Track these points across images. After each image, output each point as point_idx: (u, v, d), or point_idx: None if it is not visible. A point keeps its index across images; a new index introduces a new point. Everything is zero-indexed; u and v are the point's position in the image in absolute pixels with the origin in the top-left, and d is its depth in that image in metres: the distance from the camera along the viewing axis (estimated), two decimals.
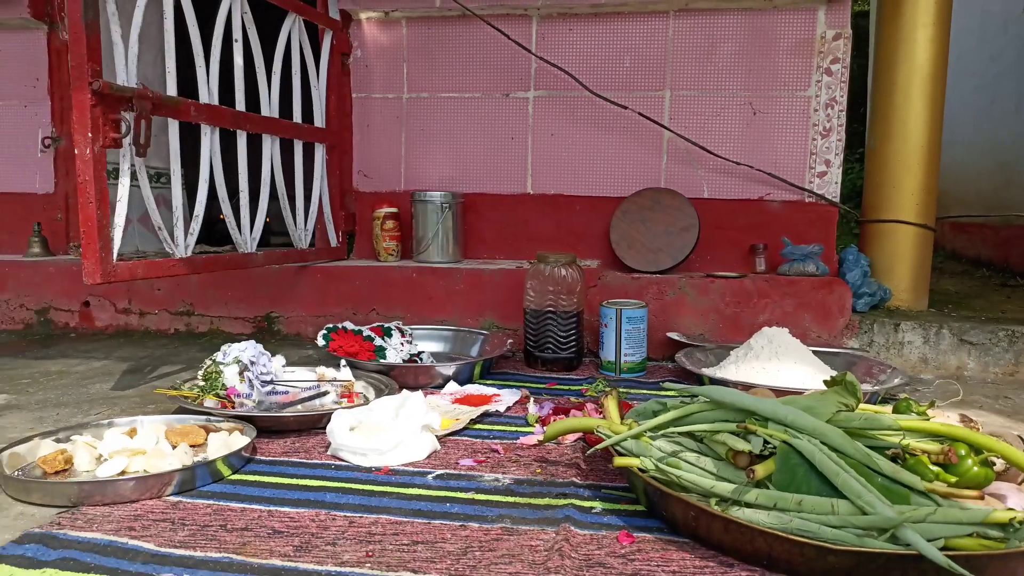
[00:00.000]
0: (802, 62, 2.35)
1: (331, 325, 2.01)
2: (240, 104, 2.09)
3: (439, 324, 2.30)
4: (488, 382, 1.91)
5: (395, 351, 2.01)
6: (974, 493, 0.93)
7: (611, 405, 1.31)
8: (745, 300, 2.21)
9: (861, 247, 2.47)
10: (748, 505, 0.98)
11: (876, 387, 1.71)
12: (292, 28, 2.30)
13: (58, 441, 1.35)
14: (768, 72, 2.38)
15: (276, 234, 3.74)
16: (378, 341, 2.00)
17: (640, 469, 1.07)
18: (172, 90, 1.85)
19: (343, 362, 1.86)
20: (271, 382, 1.72)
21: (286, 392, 1.72)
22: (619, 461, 1.08)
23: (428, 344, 2.16)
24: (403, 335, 2.07)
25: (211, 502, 1.16)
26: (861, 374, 1.86)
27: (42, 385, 1.91)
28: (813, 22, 2.33)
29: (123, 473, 1.23)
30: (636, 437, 1.14)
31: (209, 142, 1.98)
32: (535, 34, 2.49)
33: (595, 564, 0.96)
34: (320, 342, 1.97)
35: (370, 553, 0.99)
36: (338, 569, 0.94)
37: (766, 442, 1.01)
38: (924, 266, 2.38)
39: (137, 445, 1.35)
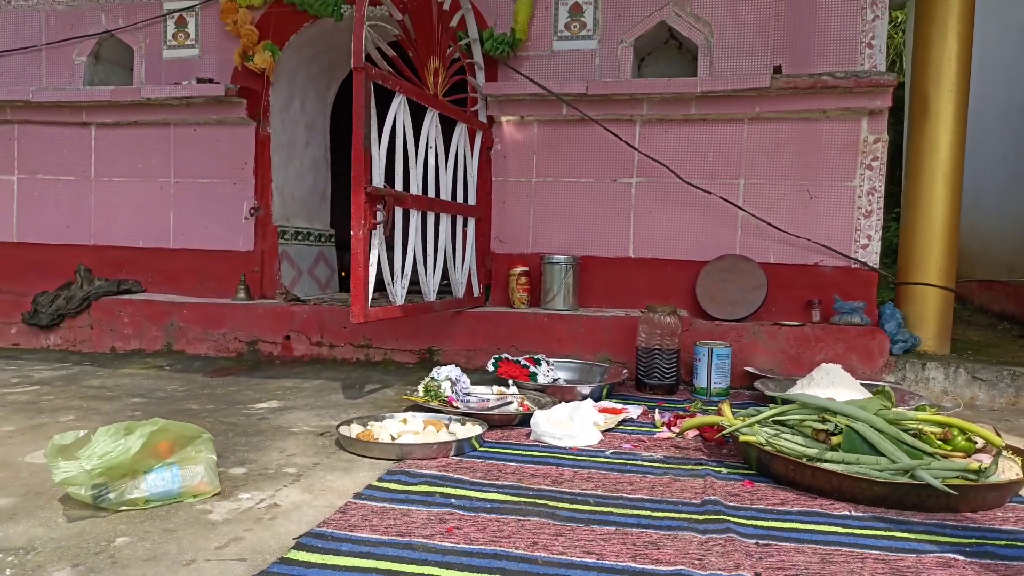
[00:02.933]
0: (849, 159, 3.05)
1: (497, 355, 2.72)
2: (431, 192, 2.85)
3: (566, 358, 2.99)
4: (614, 400, 2.60)
5: (543, 375, 2.71)
6: (960, 455, 1.59)
7: (726, 408, 2.00)
8: (805, 344, 2.88)
9: (896, 303, 3.12)
10: (825, 461, 1.65)
11: (911, 410, 2.35)
12: (460, 133, 3.07)
13: (361, 424, 2.07)
14: (822, 166, 3.07)
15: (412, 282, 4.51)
16: (531, 368, 2.70)
17: (755, 443, 1.75)
18: (397, 186, 2.61)
19: (511, 382, 2.57)
20: (469, 394, 2.43)
21: (480, 400, 2.43)
22: (743, 437, 1.76)
23: (562, 372, 2.86)
24: (548, 364, 2.77)
25: (481, 460, 1.86)
26: (896, 402, 2.50)
27: (294, 395, 2.64)
28: (858, 129, 3.03)
29: None
30: (749, 425, 1.82)
31: (416, 222, 2.72)
32: (638, 134, 3.23)
33: (733, 495, 1.64)
34: (490, 368, 2.69)
35: (596, 486, 1.68)
36: (583, 492, 1.64)
37: (836, 425, 1.69)
38: (946, 319, 3.03)
39: (410, 428, 2.06)
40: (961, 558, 1.31)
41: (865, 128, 3.02)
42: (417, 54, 2.72)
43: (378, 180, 2.47)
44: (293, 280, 3.74)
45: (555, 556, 1.28)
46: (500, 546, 1.32)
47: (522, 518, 1.47)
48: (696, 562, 1.27)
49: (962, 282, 4.70)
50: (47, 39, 3.83)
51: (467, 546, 1.32)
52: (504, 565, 1.24)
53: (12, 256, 3.89)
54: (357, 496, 1.58)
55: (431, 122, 2.82)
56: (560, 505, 1.55)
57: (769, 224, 3.10)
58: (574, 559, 1.27)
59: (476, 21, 3.23)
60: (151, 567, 1.23)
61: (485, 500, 1.56)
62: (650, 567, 1.25)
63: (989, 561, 1.31)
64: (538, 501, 1.57)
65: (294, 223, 3.81)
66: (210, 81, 3.52)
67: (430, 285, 2.89)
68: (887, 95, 2.93)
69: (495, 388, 2.55)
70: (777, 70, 3.02)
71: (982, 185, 4.79)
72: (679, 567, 1.25)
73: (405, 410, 2.28)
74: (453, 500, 1.56)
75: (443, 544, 1.33)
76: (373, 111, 2.40)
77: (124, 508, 1.47)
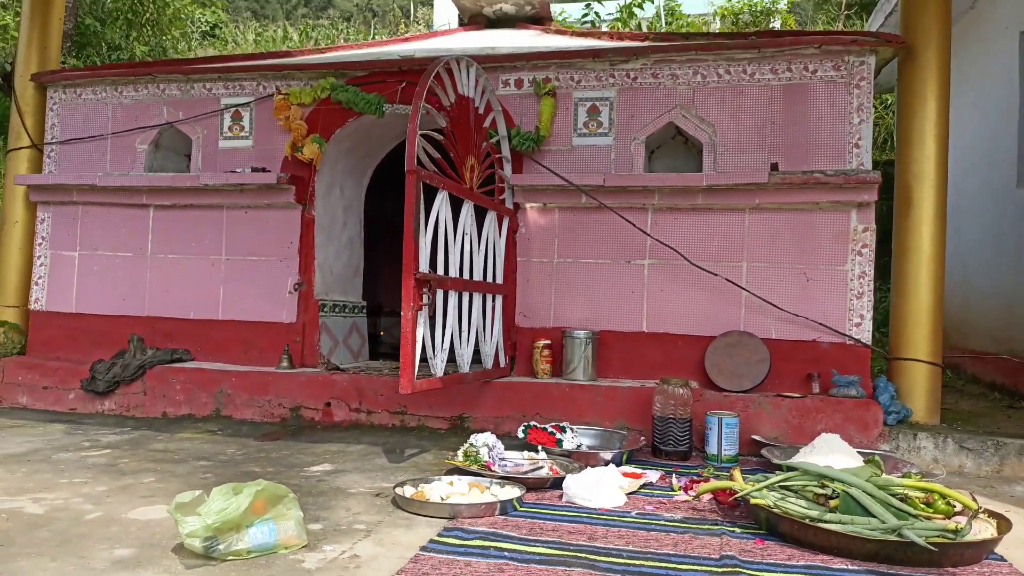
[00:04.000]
0: (841, 246, 3.38)
1: (526, 423, 3.00)
2: (466, 273, 3.17)
3: (587, 425, 3.25)
4: (633, 465, 2.86)
5: (568, 442, 2.98)
6: (941, 517, 1.86)
7: (737, 475, 2.27)
8: (806, 414, 3.15)
9: (889, 376, 3.40)
10: (825, 522, 1.91)
11: (899, 477, 2.61)
12: (490, 220, 3.42)
13: (412, 486, 2.34)
14: (817, 252, 3.40)
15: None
16: (558, 435, 2.97)
17: (764, 505, 2.02)
18: (440, 270, 2.94)
19: (540, 448, 2.84)
20: (504, 459, 2.69)
21: (515, 465, 2.69)
22: (754, 500, 2.03)
23: (585, 439, 3.12)
24: (572, 432, 3.04)
25: (523, 519, 2.12)
26: (889, 468, 2.76)
27: (341, 459, 2.91)
28: (848, 220, 3.37)
29: None
30: (759, 490, 2.09)
31: (454, 301, 3.03)
32: (650, 221, 3.58)
33: (747, 551, 1.90)
34: (520, 434, 2.96)
35: (627, 542, 1.94)
36: (616, 547, 1.90)
37: (834, 490, 1.96)
38: (935, 392, 3.31)
39: (457, 490, 2.32)
40: None
41: (855, 218, 3.37)
42: (457, 153, 3.08)
43: (424, 266, 2.79)
44: (331, 350, 4.03)
45: None
46: None
47: (568, 569, 1.73)
48: None
49: (954, 355, 4.98)
50: (113, 129, 4.22)
51: None
52: None
53: (70, 326, 4.19)
54: (423, 549, 1.84)
55: (467, 212, 3.17)
56: (598, 559, 1.81)
57: (770, 303, 3.42)
58: None
59: (505, 120, 3.62)
60: None
61: (534, 553, 1.83)
62: None
63: None
64: (579, 555, 1.83)
65: (332, 296, 4.13)
66: (263, 170, 3.89)
67: (464, 358, 3.18)
68: (873, 190, 3.29)
69: (526, 453, 2.82)
70: (774, 167, 3.39)
71: (969, 262, 5.13)
72: None
73: (447, 473, 2.55)
74: (506, 553, 1.82)
75: None
76: (421, 208, 2.74)
77: (230, 558, 1.73)
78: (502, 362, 3.59)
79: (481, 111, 3.35)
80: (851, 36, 3.41)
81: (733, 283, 3.46)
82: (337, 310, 4.16)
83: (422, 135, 2.74)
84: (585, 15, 9.73)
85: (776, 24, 10.03)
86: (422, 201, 2.75)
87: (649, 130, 3.61)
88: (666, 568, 1.76)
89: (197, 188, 3.95)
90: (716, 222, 3.51)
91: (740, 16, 9.41)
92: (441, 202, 2.92)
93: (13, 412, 3.76)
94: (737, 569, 1.75)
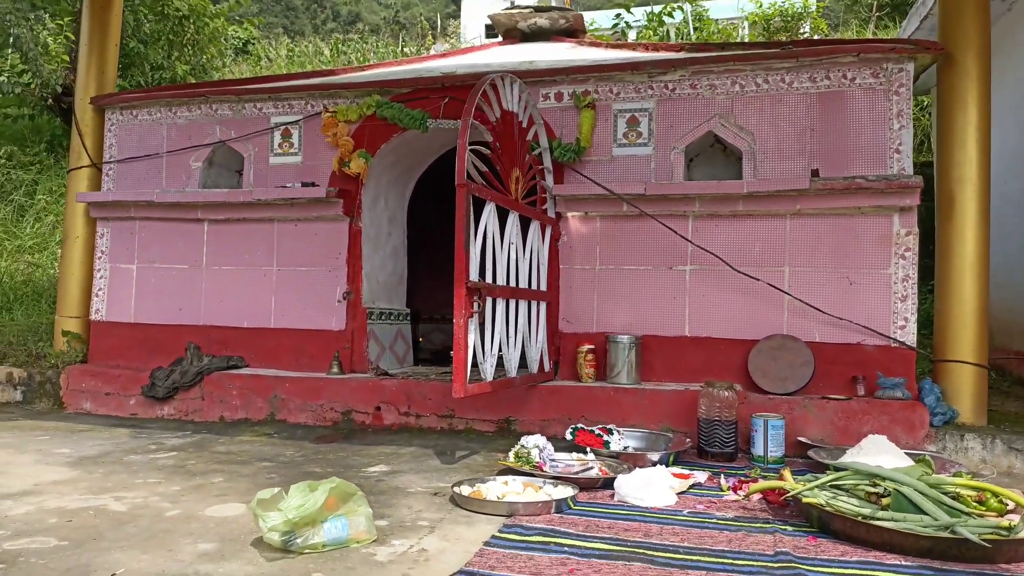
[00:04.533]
0: (884, 250, 3.40)
1: (574, 425, 3.08)
2: (512, 281, 3.26)
3: (632, 427, 3.31)
4: (680, 466, 2.91)
5: (615, 443, 3.04)
6: (994, 515, 1.89)
7: (788, 475, 2.32)
8: (851, 416, 3.18)
9: (934, 378, 3.41)
10: (878, 519, 1.95)
11: (950, 476, 2.63)
12: (534, 229, 3.51)
13: (469, 485, 2.42)
14: (860, 256, 3.43)
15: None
16: (605, 437, 3.04)
17: (816, 504, 2.07)
18: (489, 279, 3.03)
19: (589, 449, 2.91)
20: (555, 460, 2.77)
21: (565, 466, 2.76)
22: (806, 499, 2.08)
23: (631, 441, 3.18)
24: (619, 434, 3.11)
25: (579, 517, 2.20)
26: (938, 469, 2.77)
27: (395, 460, 3.01)
28: (891, 224, 3.40)
29: None
30: (810, 489, 2.14)
31: (502, 308, 3.12)
32: (691, 228, 3.64)
33: (800, 548, 1.95)
34: (568, 436, 3.04)
35: (682, 539, 2.00)
36: (672, 544, 1.96)
37: (885, 488, 2.00)
38: (982, 393, 3.31)
39: (512, 489, 2.41)
40: None
41: (897, 223, 3.39)
42: (503, 166, 3.18)
43: (474, 275, 2.89)
44: (378, 356, 4.15)
45: None
46: None
47: (628, 563, 1.80)
48: None
49: (999, 356, 4.94)
50: (168, 148, 4.41)
51: None
52: None
53: (129, 335, 4.37)
54: (487, 544, 1.93)
55: (513, 222, 3.26)
56: (656, 554, 1.88)
57: (813, 307, 3.45)
58: None
59: (546, 133, 3.71)
60: None
61: (594, 548, 1.90)
62: None
63: None
64: (637, 551, 1.90)
65: (378, 304, 4.25)
66: (312, 184, 4.04)
67: (512, 362, 3.26)
68: (915, 195, 3.31)
69: (575, 455, 2.89)
70: (815, 173, 3.43)
71: (1013, 265, 5.08)
72: None
73: (499, 473, 2.63)
74: (567, 548, 1.90)
75: None
76: (471, 219, 2.84)
77: (307, 551, 1.84)
78: (546, 367, 3.66)
79: (524, 124, 3.45)
80: (890, 44, 3.45)
81: (775, 287, 3.50)
82: (383, 317, 4.28)
83: (470, 149, 2.84)
84: (615, 24, 9.81)
85: (807, 28, 10.01)
86: (471, 215, 2.85)
87: (688, 139, 3.68)
88: (723, 563, 1.82)
89: (250, 203, 4.11)
90: (757, 228, 3.56)
91: (771, 21, 9.41)
92: (489, 214, 3.01)
93: (79, 417, 3.94)
94: (792, 564, 1.81)
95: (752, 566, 1.81)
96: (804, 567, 1.80)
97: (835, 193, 3.39)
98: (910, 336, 3.37)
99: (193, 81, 10.03)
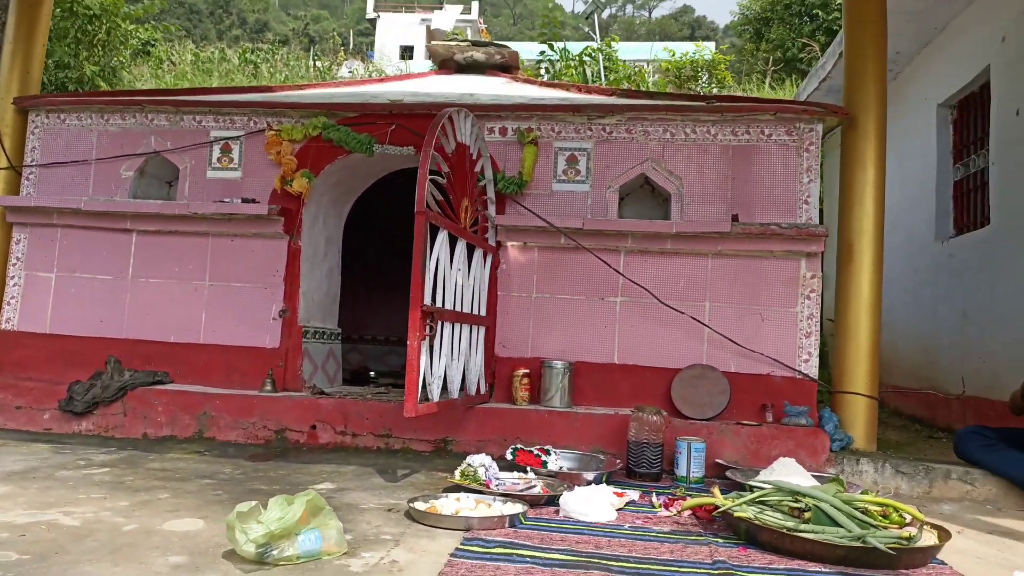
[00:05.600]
0: (792, 290, 3.77)
1: (514, 446, 3.22)
2: (458, 305, 3.39)
3: (564, 449, 3.49)
4: (612, 485, 3.10)
5: (552, 463, 3.21)
6: (895, 527, 2.18)
7: (717, 492, 2.55)
8: (763, 440, 3.49)
9: (832, 407, 3.78)
10: (800, 531, 2.21)
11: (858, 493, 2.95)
12: (477, 256, 3.66)
13: (424, 501, 2.52)
14: (771, 295, 3.78)
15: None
16: (543, 458, 3.20)
17: (746, 518, 2.30)
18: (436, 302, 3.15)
19: (529, 468, 3.06)
20: (499, 478, 2.90)
21: (510, 484, 2.90)
22: (737, 513, 2.31)
23: (566, 461, 3.36)
24: (555, 454, 3.28)
25: (532, 531, 2.34)
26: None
27: (339, 478, 3.05)
28: (798, 267, 3.77)
29: None
30: (739, 505, 2.37)
31: (449, 332, 3.24)
32: (622, 262, 3.89)
33: (734, 557, 2.17)
34: (508, 456, 3.18)
35: (630, 550, 2.19)
36: (623, 555, 2.14)
37: (806, 504, 2.26)
38: (873, 422, 3.71)
39: (464, 505, 2.52)
40: None
41: (804, 266, 3.77)
42: (455, 196, 3.33)
43: (427, 299, 3.00)
44: (311, 374, 4.16)
45: None
46: None
47: (587, 571, 1.96)
48: None
49: (881, 389, 5.48)
50: (98, 155, 4.28)
51: None
52: None
53: (44, 346, 4.17)
54: (453, 555, 2.04)
55: (461, 249, 3.40)
56: (611, 563, 2.05)
57: (730, 340, 3.76)
58: None
59: (492, 166, 3.89)
60: None
61: (553, 559, 2.05)
62: None
63: None
64: (592, 560, 2.06)
65: (313, 323, 4.26)
66: (253, 201, 4.03)
67: (455, 384, 3.38)
68: (820, 242, 3.70)
69: (516, 474, 3.03)
70: (735, 218, 3.77)
71: (894, 308, 5.66)
72: None
73: (446, 491, 2.74)
74: (528, 559, 2.04)
75: None
76: (428, 246, 2.96)
77: (282, 563, 1.89)
78: (482, 389, 3.80)
79: (474, 156, 3.61)
80: (803, 106, 3.86)
81: (697, 320, 3.80)
82: (317, 336, 4.29)
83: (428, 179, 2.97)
84: (540, 61, 10.23)
85: (707, 78, 10.74)
86: (428, 242, 2.98)
87: (622, 180, 3.95)
88: (670, 570, 2.02)
89: (186, 216, 4.05)
90: (682, 265, 3.85)
91: (682, 70, 10.06)
92: (442, 242, 3.14)
93: None
94: (729, 571, 2.02)
95: (696, 572, 2.01)
96: (740, 572, 2.01)
97: (752, 237, 3.73)
98: (813, 369, 3.74)
99: (102, 83, 9.62)
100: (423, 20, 39.04)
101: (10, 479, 2.70)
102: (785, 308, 3.78)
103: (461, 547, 2.12)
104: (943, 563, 2.22)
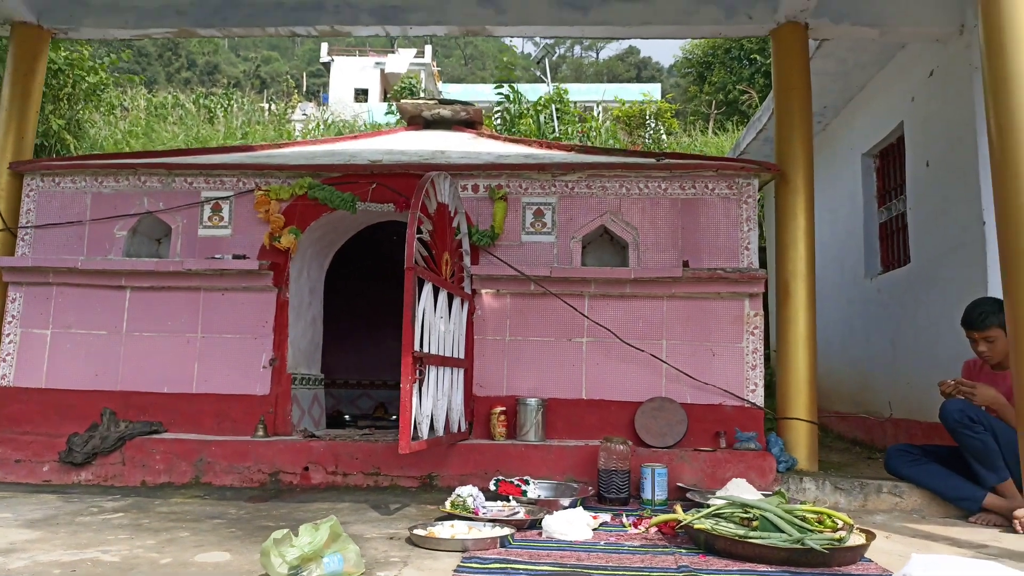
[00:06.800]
0: (738, 328, 4.21)
1: (497, 478, 3.55)
2: (442, 351, 3.73)
3: (541, 479, 3.82)
4: (586, 509, 3.45)
5: (531, 492, 3.55)
6: (829, 531, 2.58)
7: (679, 508, 2.93)
8: (717, 464, 3.88)
9: (778, 432, 4.21)
10: (750, 538, 2.59)
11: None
12: (457, 304, 4.02)
13: (422, 528, 2.83)
14: (720, 332, 4.22)
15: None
16: (523, 487, 3.54)
17: (704, 529, 2.68)
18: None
19: (511, 497, 3.39)
20: (485, 507, 3.23)
21: (496, 511, 3.22)
22: (697, 525, 2.68)
23: (543, 491, 3.69)
24: (534, 484, 3.61)
25: (522, 549, 2.67)
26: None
27: (338, 514, 3.32)
28: (743, 307, 4.22)
29: None
30: (699, 519, 2.75)
31: (435, 375, 3.58)
32: (587, 305, 4.29)
33: (696, 563, 2.54)
34: (492, 487, 3.50)
35: (607, 561, 2.53)
36: (603, 565, 2.49)
37: (754, 515, 2.65)
38: (814, 445, 4.15)
39: (458, 531, 2.84)
40: None
41: (747, 306, 4.22)
42: (437, 251, 3.69)
43: (419, 346, 3.34)
44: (299, 419, 4.43)
45: None
46: None
47: None
48: None
49: (822, 415, 5.96)
50: (92, 215, 4.53)
51: None
52: None
53: (40, 400, 4.36)
54: (456, 571, 2.36)
55: (443, 299, 3.76)
56: (593, 572, 2.39)
57: (685, 374, 4.18)
58: None
59: (466, 220, 4.28)
60: None
61: (544, 571, 2.38)
62: None
63: None
64: (577, 570, 2.40)
65: (299, 371, 4.54)
66: (244, 257, 4.33)
67: (440, 423, 3.70)
68: (761, 283, 4.17)
69: (499, 502, 3.36)
70: (686, 264, 4.21)
71: (831, 338, 6.18)
72: None
73: (439, 519, 3.05)
74: (523, 571, 2.37)
75: None
76: (416, 298, 3.31)
77: None
78: (463, 427, 4.13)
79: (452, 212, 3.99)
80: (740, 163, 4.35)
81: (655, 357, 4.20)
82: (303, 383, 4.57)
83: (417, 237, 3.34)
84: (500, 103, 10.77)
85: (655, 124, 11.42)
86: (416, 294, 3.33)
87: (585, 231, 4.38)
88: (643, 574, 2.37)
89: (179, 272, 4.32)
90: (641, 307, 4.27)
91: (632, 118, 10.72)
92: (428, 293, 3.50)
93: None
94: (692, 574, 2.38)
95: (665, 574, 2.37)
96: (701, 574, 2.38)
97: (701, 281, 4.18)
98: (759, 398, 4.17)
99: (67, 135, 9.77)
100: (377, 63, 39.62)
101: (36, 525, 2.92)
102: (733, 343, 4.22)
103: (462, 564, 2.44)
104: (870, 560, 2.62)
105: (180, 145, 11.57)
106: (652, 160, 4.45)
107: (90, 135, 10.58)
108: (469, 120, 6.09)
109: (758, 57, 16.70)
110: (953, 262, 4.48)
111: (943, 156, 4.66)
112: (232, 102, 16.57)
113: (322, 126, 15.09)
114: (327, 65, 43.51)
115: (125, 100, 15.38)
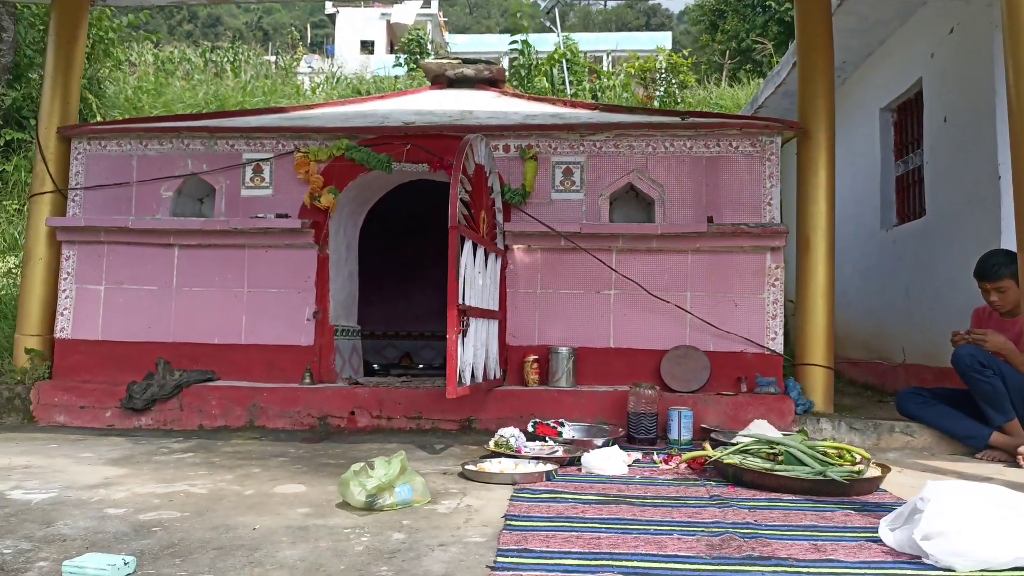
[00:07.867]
0: (759, 280, 4.41)
1: (534, 420, 3.81)
2: (481, 303, 3.95)
3: (573, 421, 4.08)
4: (619, 449, 3.71)
5: (566, 433, 3.81)
6: (848, 464, 2.83)
7: (708, 445, 3.17)
8: (739, 407, 4.13)
9: (796, 377, 4.45)
10: (776, 471, 2.83)
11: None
12: (492, 259, 4.23)
13: (473, 464, 3.09)
14: (742, 284, 4.42)
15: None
16: (559, 429, 3.80)
17: (732, 463, 2.93)
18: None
19: (548, 438, 3.65)
20: (526, 446, 3.49)
21: (537, 450, 3.48)
22: (726, 460, 2.93)
23: (576, 432, 3.95)
24: (568, 426, 3.88)
25: (566, 482, 2.93)
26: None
27: (387, 453, 3.57)
28: (764, 260, 4.41)
29: None
30: (728, 454, 2.99)
31: (475, 326, 3.81)
32: (615, 260, 4.49)
33: (726, 493, 2.79)
34: (530, 429, 3.76)
35: (644, 492, 2.79)
36: (641, 495, 2.75)
37: (779, 451, 2.89)
38: (830, 389, 4.38)
39: (505, 466, 3.09)
40: (854, 513, 2.52)
41: (769, 259, 4.41)
42: (475, 209, 3.88)
43: (464, 299, 3.56)
44: (341, 367, 4.69)
45: (647, 518, 2.39)
46: (616, 515, 2.41)
47: (617, 505, 2.56)
48: (720, 518, 2.40)
49: (838, 361, 6.19)
50: (138, 177, 4.72)
51: (598, 516, 2.40)
52: (625, 524, 2.33)
53: (96, 352, 4.62)
54: (512, 500, 2.62)
55: (480, 255, 3.96)
56: (634, 499, 2.65)
57: (708, 323, 4.40)
58: (659, 519, 2.38)
59: (499, 179, 4.45)
60: (442, 529, 2.23)
61: (589, 499, 2.64)
62: (698, 520, 2.38)
63: (867, 513, 2.52)
64: (620, 498, 2.66)
65: (339, 322, 4.79)
66: (286, 216, 4.53)
67: (479, 369, 3.95)
68: (783, 238, 4.35)
69: (538, 443, 3.62)
70: (710, 220, 4.39)
71: (847, 290, 6.38)
72: (716, 519, 2.38)
73: (483, 458, 3.31)
74: (571, 499, 2.63)
75: (584, 516, 2.40)
76: (459, 255, 3.52)
77: (386, 509, 2.44)
78: (498, 374, 4.37)
79: (487, 172, 4.16)
80: (764, 122, 4.49)
81: (680, 307, 4.42)
82: (343, 334, 4.82)
83: (461, 199, 3.53)
84: (513, 57, 10.80)
85: (672, 81, 11.42)
86: (459, 251, 3.53)
87: (612, 188, 4.55)
88: (679, 502, 2.63)
89: (225, 231, 4.53)
90: (666, 261, 4.47)
91: (647, 73, 10.73)
92: (468, 249, 3.70)
93: (57, 429, 4.18)
94: (724, 500, 2.64)
95: (699, 503, 2.62)
96: (732, 502, 2.63)
97: (725, 236, 4.36)
98: (779, 345, 4.39)
99: (88, 94, 9.88)
100: (383, 15, 39.08)
101: (119, 463, 3.20)
102: (754, 295, 4.42)
103: (516, 494, 2.70)
104: (886, 491, 2.87)
105: (196, 102, 11.65)
106: (677, 119, 4.59)
107: (109, 94, 10.68)
108: (492, 79, 6.21)
109: (772, 3, 16.46)
110: (968, 215, 4.64)
111: (960, 112, 4.78)
112: (238, 56, 16.50)
113: (331, 80, 15.02)
114: (331, 16, 42.92)
115: (132, 55, 15.35)
